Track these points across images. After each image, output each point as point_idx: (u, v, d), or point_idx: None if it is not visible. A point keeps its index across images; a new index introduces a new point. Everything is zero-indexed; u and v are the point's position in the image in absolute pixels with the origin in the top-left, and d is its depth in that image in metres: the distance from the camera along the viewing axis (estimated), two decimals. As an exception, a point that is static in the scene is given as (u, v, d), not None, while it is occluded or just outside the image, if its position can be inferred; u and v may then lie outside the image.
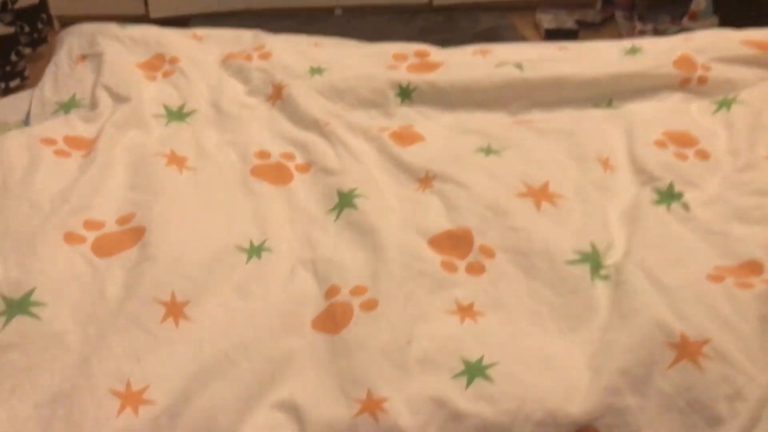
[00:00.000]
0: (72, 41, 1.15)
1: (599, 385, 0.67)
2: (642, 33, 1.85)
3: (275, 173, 0.94)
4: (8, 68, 1.61)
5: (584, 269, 0.78)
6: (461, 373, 0.69)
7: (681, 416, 0.66)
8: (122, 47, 1.12)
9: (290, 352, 0.72)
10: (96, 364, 0.67)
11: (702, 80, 1.10)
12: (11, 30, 1.58)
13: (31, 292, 0.72)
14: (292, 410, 0.67)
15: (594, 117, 1.06)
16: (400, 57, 1.15)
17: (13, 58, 1.61)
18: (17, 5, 1.57)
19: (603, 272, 0.79)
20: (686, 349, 0.68)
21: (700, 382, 0.66)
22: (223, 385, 0.68)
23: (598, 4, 2.01)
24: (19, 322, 0.70)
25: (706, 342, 0.68)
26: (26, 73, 1.65)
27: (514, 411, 0.65)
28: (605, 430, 0.65)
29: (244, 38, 1.20)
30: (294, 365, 0.71)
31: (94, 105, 1.05)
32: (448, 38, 1.45)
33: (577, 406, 0.66)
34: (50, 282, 0.74)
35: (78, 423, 0.62)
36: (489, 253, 0.82)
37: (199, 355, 0.69)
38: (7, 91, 1.56)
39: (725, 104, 1.06)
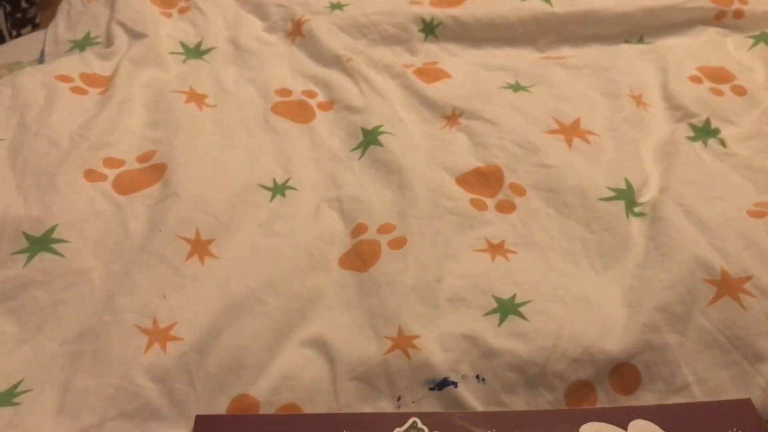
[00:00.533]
0: (84, -22, 1.11)
1: (637, 321, 0.65)
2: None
3: (297, 111, 0.92)
4: (19, 15, 1.58)
5: (619, 206, 0.76)
6: (493, 311, 0.67)
7: (721, 353, 0.64)
8: (136, -17, 1.09)
9: (318, 290, 0.70)
10: (122, 300, 0.66)
11: (738, 14, 1.06)
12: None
13: (53, 229, 0.71)
14: (322, 347, 0.65)
15: (626, 53, 1.02)
16: (423, -9, 1.11)
17: (24, 4, 1.58)
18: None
19: (638, 209, 0.77)
20: (727, 286, 0.66)
21: (742, 319, 0.65)
22: (251, 322, 0.66)
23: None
24: (42, 259, 0.69)
25: (748, 278, 0.66)
26: (37, 20, 1.62)
27: (549, 348, 0.64)
28: (643, 367, 0.63)
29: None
30: (322, 303, 0.69)
31: (109, 42, 1.02)
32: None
33: (614, 342, 0.64)
34: (72, 219, 0.72)
35: (106, 359, 0.61)
36: (519, 190, 0.79)
37: (226, 293, 0.68)
38: (19, 39, 1.53)
39: (762, 39, 1.02)
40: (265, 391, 0.62)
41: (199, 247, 0.71)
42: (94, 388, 0.59)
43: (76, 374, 0.61)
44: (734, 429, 0.59)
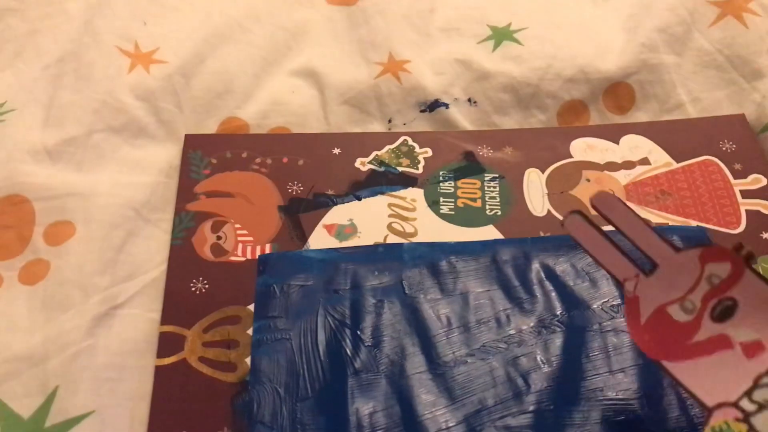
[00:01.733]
0: None
1: (634, 42, 0.63)
2: None
3: None
4: None
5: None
6: (488, 38, 0.65)
7: (718, 72, 0.63)
8: None
9: (305, 24, 0.68)
10: (101, 24, 0.63)
11: None
12: None
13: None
14: (311, 75, 0.64)
15: None
16: None
17: None
18: None
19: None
20: (731, 5, 0.64)
21: (743, 37, 0.63)
22: (236, 50, 0.64)
23: None
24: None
25: (753, -2, 0.64)
26: None
27: (544, 69, 0.62)
28: (637, 86, 0.62)
29: None
30: (310, 36, 0.67)
31: None
32: None
33: (610, 62, 0.62)
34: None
35: (88, 77, 0.60)
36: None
37: (208, 22, 0.65)
38: None
39: None
40: (254, 115, 0.61)
41: (179, -20, 0.67)
42: (79, 103, 0.58)
43: (59, 92, 0.59)
44: (726, 141, 0.59)
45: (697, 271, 0.35)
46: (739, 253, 0.35)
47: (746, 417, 0.33)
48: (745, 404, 0.33)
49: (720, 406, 0.34)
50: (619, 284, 0.37)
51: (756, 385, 0.34)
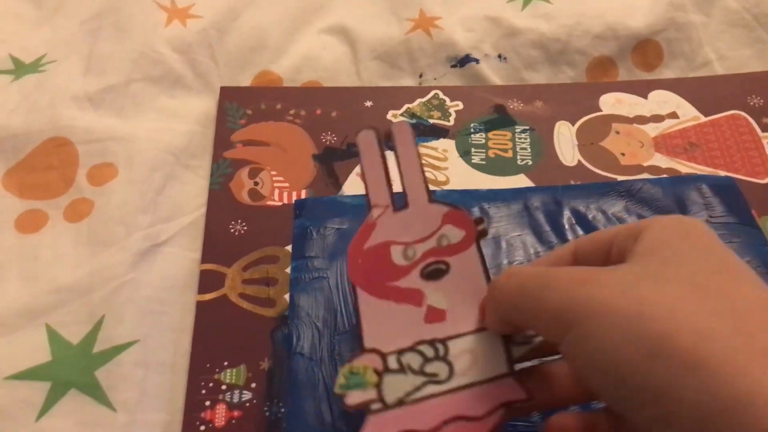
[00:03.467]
0: None
1: (662, 1, 0.64)
2: None
3: None
4: None
5: None
6: (516, 0, 0.66)
7: (746, 31, 0.63)
8: None
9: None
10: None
11: None
12: None
13: None
14: (342, 32, 0.65)
15: None
16: None
17: None
18: None
19: None
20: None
21: (771, -4, 0.63)
22: (270, 7, 0.66)
23: None
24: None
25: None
26: None
27: (572, 25, 0.63)
28: (665, 44, 0.63)
29: None
30: (341, -2, 0.68)
31: None
32: None
33: (639, 19, 0.63)
34: None
35: (127, 29, 0.61)
36: None
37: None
38: None
39: None
40: (287, 69, 0.62)
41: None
42: (118, 54, 0.59)
43: (98, 44, 0.60)
44: (754, 97, 0.59)
45: (435, 227, 0.36)
46: (477, 226, 0.36)
47: (383, 371, 0.33)
48: (391, 361, 0.34)
49: (373, 351, 0.34)
50: (368, 207, 0.37)
51: (412, 348, 0.34)
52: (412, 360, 0.34)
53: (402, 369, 0.34)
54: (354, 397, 0.34)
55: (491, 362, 0.34)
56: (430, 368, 0.34)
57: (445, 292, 0.35)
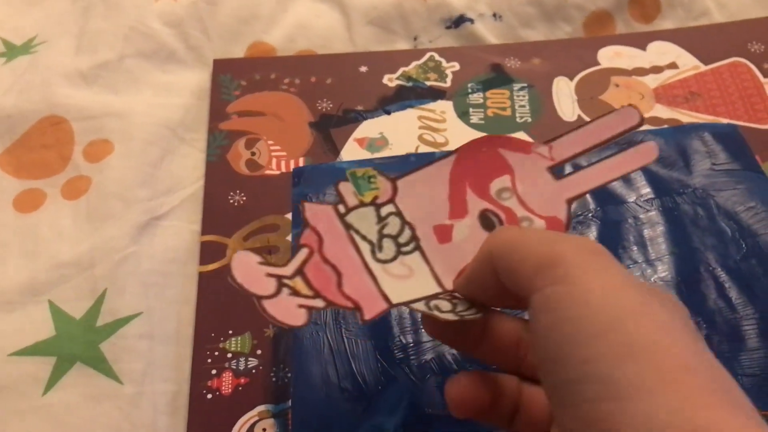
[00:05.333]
0: None
1: (659, -50, 0.62)
2: None
3: None
4: None
5: None
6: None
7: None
8: None
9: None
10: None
11: None
12: None
13: None
14: (334, 0, 0.64)
15: None
16: None
17: None
18: None
19: None
20: None
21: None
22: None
23: None
24: None
25: None
26: None
27: (568, -20, 0.62)
28: (663, -6, 0.62)
29: None
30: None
31: None
32: None
33: (635, -30, 0.62)
34: None
35: (117, 7, 0.61)
36: None
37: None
38: None
39: None
40: (281, 39, 0.62)
41: None
42: (109, 30, 0.59)
43: (89, 21, 0.60)
44: (754, 43, 0.58)
45: None
46: None
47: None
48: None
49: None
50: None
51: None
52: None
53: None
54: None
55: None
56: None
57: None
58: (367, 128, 0.55)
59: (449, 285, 0.32)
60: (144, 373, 0.43)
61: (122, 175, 0.51)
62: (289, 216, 0.50)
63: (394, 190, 0.33)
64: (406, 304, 0.30)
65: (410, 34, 0.62)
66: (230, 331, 0.45)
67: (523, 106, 0.55)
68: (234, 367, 0.44)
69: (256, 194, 0.51)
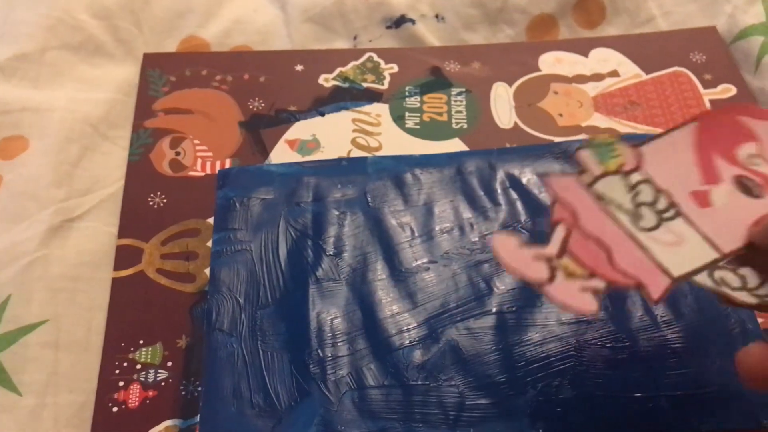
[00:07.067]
0: None
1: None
2: None
3: None
4: None
5: None
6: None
7: (690, -15, 0.61)
8: None
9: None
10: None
11: None
12: None
13: None
14: (274, -6, 0.62)
15: None
16: None
17: None
18: None
19: None
20: None
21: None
22: (198, -31, 0.62)
23: None
24: None
25: None
26: None
27: (512, -18, 0.60)
28: (608, 0, 0.61)
29: None
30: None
31: None
32: None
33: (580, -25, 0.61)
34: None
35: None
36: None
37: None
38: None
39: None
40: (216, 34, 0.60)
41: None
42: (33, 20, 0.56)
43: (12, 10, 0.57)
44: (696, 53, 0.58)
45: None
46: None
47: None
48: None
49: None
50: None
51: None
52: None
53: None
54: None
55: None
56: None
57: None
58: (300, 130, 0.53)
59: (726, 248, 0.30)
60: (46, 384, 0.41)
61: (36, 173, 0.48)
62: (211, 220, 0.48)
63: (640, 157, 0.31)
64: (689, 277, 0.29)
65: (350, 33, 0.60)
66: (141, 341, 0.43)
67: (460, 111, 0.54)
68: (143, 379, 0.42)
69: (178, 196, 0.50)
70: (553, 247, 0.29)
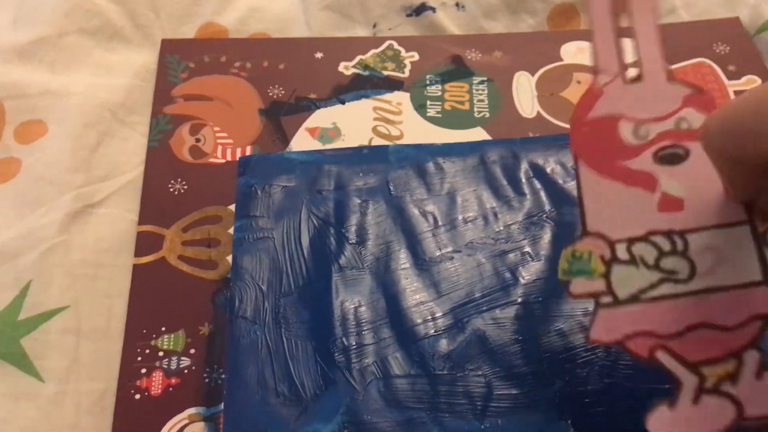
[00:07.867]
0: None
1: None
2: None
3: None
4: None
5: None
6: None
7: (713, -24, 0.60)
8: None
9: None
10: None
11: None
12: None
13: None
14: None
15: None
16: None
17: None
18: None
19: None
20: None
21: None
22: (215, -46, 0.61)
23: None
24: None
25: None
26: None
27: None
28: (630, -10, 0.60)
29: None
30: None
31: None
32: None
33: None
34: None
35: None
36: None
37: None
38: None
39: None
40: (233, 21, 0.59)
41: None
42: (50, 4, 0.55)
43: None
44: (720, 44, 0.57)
45: (674, 107, 0.31)
46: None
47: (611, 261, 0.29)
48: (620, 250, 0.29)
49: (597, 236, 0.30)
50: (595, 72, 0.32)
51: (645, 238, 0.29)
52: (646, 252, 0.29)
53: (633, 261, 0.29)
54: (580, 286, 0.29)
55: (742, 265, 0.28)
56: (667, 264, 0.29)
57: (681, 180, 0.30)
58: (320, 117, 0.53)
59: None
60: (68, 371, 0.41)
61: (55, 158, 0.48)
62: (233, 207, 0.47)
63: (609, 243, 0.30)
64: None
65: (369, 21, 0.60)
66: (163, 328, 0.43)
67: (482, 100, 0.54)
68: (165, 367, 0.42)
69: (199, 183, 0.49)
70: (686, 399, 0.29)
